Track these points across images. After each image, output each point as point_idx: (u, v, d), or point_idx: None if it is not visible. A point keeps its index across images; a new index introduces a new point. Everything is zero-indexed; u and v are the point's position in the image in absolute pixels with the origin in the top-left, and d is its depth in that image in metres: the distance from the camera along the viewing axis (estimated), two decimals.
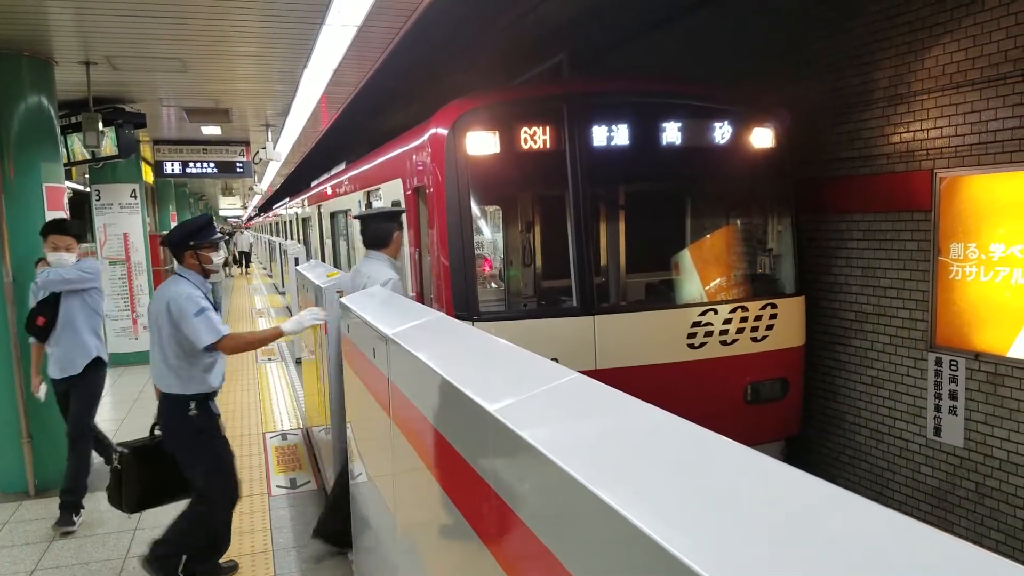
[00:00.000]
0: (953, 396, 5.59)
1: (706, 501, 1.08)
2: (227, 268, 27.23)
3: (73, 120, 7.78)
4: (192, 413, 4.06)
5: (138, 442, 4.18)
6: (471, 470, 1.79)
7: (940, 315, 5.63)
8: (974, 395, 5.43)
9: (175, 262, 4.33)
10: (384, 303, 3.58)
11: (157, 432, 4.21)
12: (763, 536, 0.95)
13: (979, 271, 5.29)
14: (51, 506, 5.58)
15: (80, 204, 18.12)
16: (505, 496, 1.57)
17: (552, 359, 2.00)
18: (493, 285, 6.33)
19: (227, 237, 25.87)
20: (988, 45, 5.14)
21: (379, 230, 4.79)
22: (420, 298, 6.34)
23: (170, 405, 4.07)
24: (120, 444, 4.19)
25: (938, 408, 5.72)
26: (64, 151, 7.46)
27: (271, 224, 33.43)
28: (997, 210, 5.15)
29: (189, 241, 4.17)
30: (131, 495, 4.13)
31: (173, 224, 17.64)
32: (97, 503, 5.66)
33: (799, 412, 6.41)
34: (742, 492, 1.10)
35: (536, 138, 5.59)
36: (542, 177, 5.99)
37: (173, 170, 12.15)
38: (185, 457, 4.12)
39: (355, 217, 4.83)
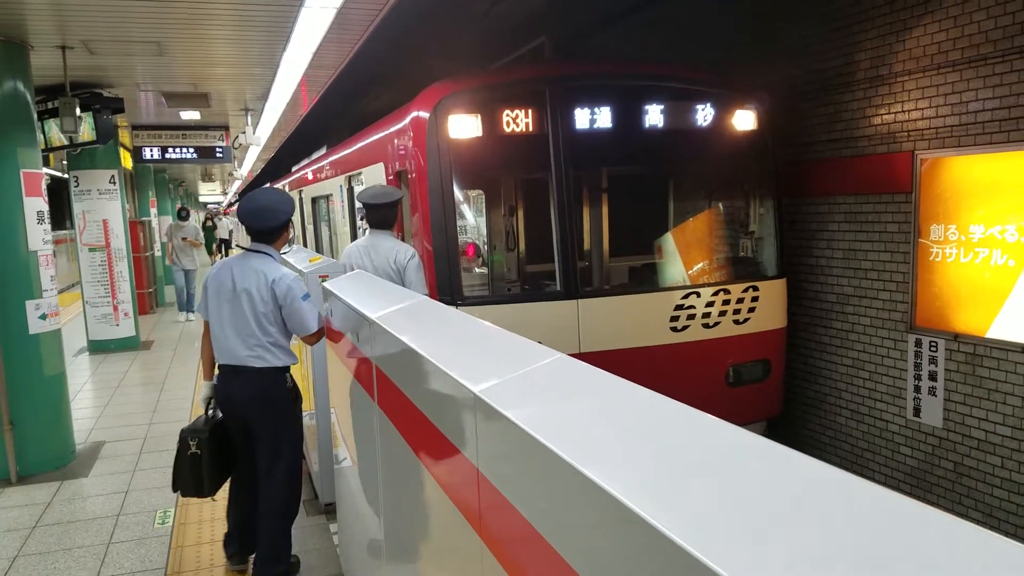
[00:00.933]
0: (932, 377, 5.66)
1: (693, 478, 1.09)
2: (216, 256, 26.59)
3: (50, 105, 7.66)
4: (289, 385, 4.06)
5: (206, 424, 4.03)
6: (456, 451, 1.79)
7: (920, 296, 5.69)
8: (953, 376, 5.50)
9: (249, 240, 4.12)
10: (367, 287, 3.57)
11: (211, 411, 4.10)
12: (751, 512, 0.95)
13: (959, 252, 5.34)
14: (33, 493, 5.56)
15: (58, 190, 17.91)
16: (491, 476, 1.58)
17: (536, 343, 2.00)
18: (477, 269, 6.32)
19: (211, 223, 25.22)
20: (969, 26, 5.17)
21: (388, 214, 5.09)
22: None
23: (269, 379, 3.98)
24: (189, 431, 4.01)
25: (918, 389, 5.79)
26: (41, 137, 7.35)
27: None
28: (976, 191, 5.20)
29: (290, 222, 4.10)
30: (212, 477, 4.03)
31: (153, 210, 17.46)
32: (78, 489, 5.63)
33: (780, 393, 6.47)
34: (728, 468, 1.11)
35: (518, 121, 5.57)
36: (525, 161, 5.98)
37: (152, 155, 12.01)
38: (280, 429, 4.04)
39: (361, 201, 5.13)
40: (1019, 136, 4.90)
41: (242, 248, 4.15)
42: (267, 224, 4.05)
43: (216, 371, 4.10)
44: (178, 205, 18.46)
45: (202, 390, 4.16)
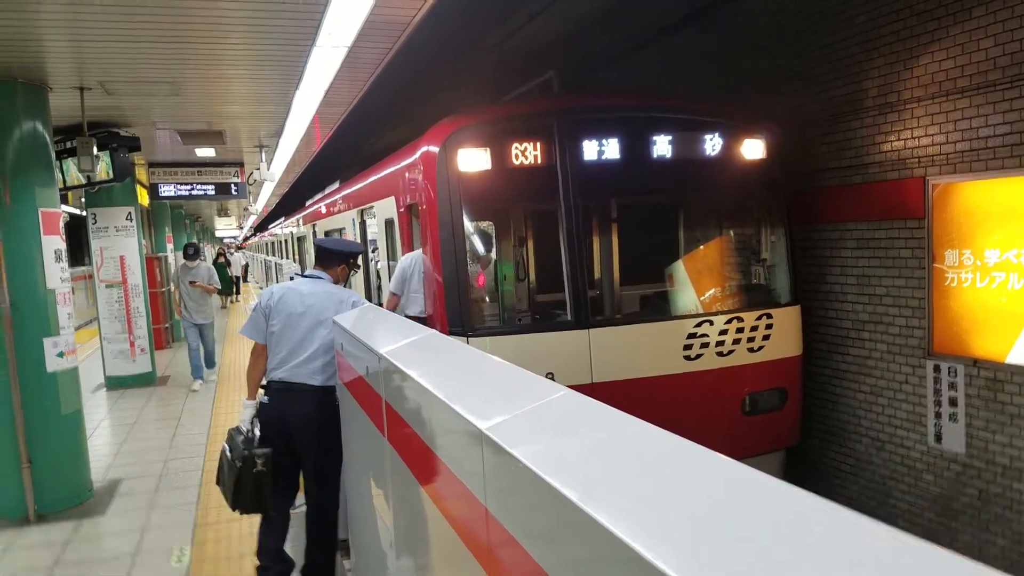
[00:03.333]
0: (953, 403, 5.58)
1: (702, 520, 1.08)
2: (228, 298, 23.92)
3: (68, 145, 7.79)
4: (338, 404, 4.25)
5: (260, 442, 4.15)
6: (465, 489, 1.78)
7: (937, 322, 5.63)
8: (974, 401, 5.43)
9: (314, 264, 4.57)
10: (377, 321, 3.58)
11: (256, 430, 4.23)
12: (762, 558, 0.94)
13: (974, 277, 5.29)
14: (51, 532, 5.56)
15: (76, 228, 18.17)
16: (499, 515, 1.56)
17: (548, 374, 2.01)
18: (488, 301, 6.33)
19: (223, 259, 24.56)
20: (976, 53, 5.18)
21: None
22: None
23: (326, 397, 4.22)
24: (255, 450, 4.09)
25: (938, 415, 5.71)
26: (59, 176, 7.46)
27: (267, 244, 33.53)
28: (990, 216, 5.17)
29: (350, 258, 4.63)
30: (270, 492, 4.16)
31: (169, 245, 17.64)
32: (96, 527, 5.63)
33: (798, 422, 6.39)
34: (739, 511, 1.10)
35: (527, 154, 5.61)
36: (534, 192, 6.01)
37: (168, 192, 12.18)
38: (333, 444, 4.24)
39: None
40: None
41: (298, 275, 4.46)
42: (334, 247, 4.62)
43: (263, 392, 4.26)
44: (187, 241, 15.72)
45: (247, 409, 4.31)
